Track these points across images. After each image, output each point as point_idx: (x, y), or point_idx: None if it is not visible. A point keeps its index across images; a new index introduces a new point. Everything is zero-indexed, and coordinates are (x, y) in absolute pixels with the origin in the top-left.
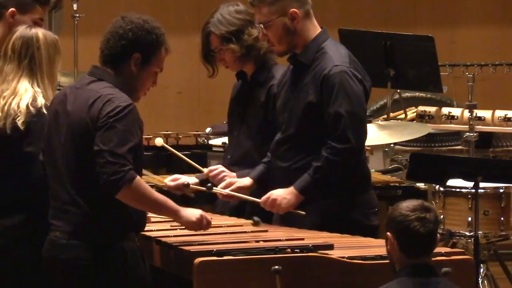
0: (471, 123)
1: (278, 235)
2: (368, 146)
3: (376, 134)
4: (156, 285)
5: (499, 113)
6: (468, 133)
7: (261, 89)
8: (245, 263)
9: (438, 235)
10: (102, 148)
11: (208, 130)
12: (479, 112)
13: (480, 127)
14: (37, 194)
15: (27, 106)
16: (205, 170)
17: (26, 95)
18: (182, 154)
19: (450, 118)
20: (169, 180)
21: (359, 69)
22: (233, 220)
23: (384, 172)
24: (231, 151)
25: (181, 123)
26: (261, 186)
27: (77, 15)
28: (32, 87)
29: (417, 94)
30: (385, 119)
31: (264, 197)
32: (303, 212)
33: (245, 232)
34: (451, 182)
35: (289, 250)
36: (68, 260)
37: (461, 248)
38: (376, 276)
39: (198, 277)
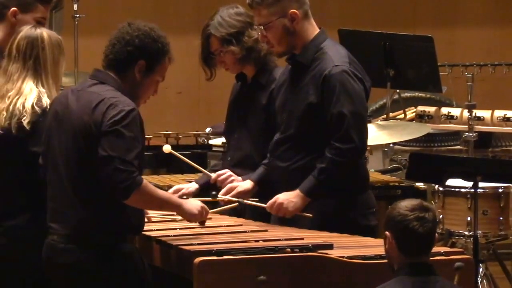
0: (470, 123)
1: (278, 235)
2: (367, 146)
3: (376, 134)
4: (156, 284)
5: (498, 113)
6: (467, 133)
7: (263, 92)
8: (245, 263)
9: (436, 234)
10: (111, 154)
11: (208, 130)
12: (478, 112)
13: (479, 127)
14: (42, 194)
15: (32, 106)
16: (213, 175)
17: (31, 95)
18: (181, 154)
19: (450, 118)
20: (172, 192)
21: (359, 68)
22: (233, 220)
23: (384, 172)
24: (231, 153)
25: (181, 123)
26: (263, 188)
27: (78, 15)
28: (37, 87)
29: (416, 94)
30: (385, 119)
31: (270, 202)
32: (310, 215)
33: (245, 232)
34: (451, 182)
35: (288, 249)
36: (67, 264)
37: (460, 248)
38: (375, 275)
39: (198, 276)
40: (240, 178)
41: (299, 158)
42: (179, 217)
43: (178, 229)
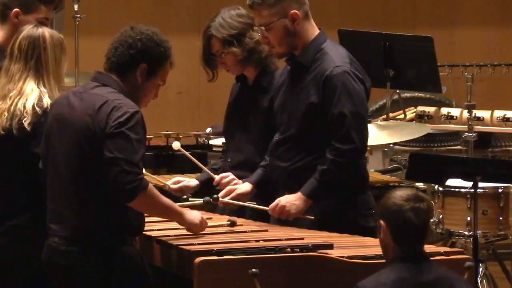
0: (470, 123)
1: (278, 235)
2: (367, 146)
3: (376, 134)
4: (156, 284)
5: (498, 113)
6: (467, 133)
7: (264, 94)
8: (245, 263)
9: (437, 234)
10: (117, 156)
11: (208, 130)
12: (478, 112)
13: (479, 127)
14: (42, 194)
15: (33, 107)
16: (217, 177)
17: (32, 95)
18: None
19: (449, 118)
20: (172, 182)
21: (359, 69)
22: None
23: (384, 172)
24: (231, 155)
25: (182, 123)
26: (261, 190)
27: (78, 15)
28: (38, 87)
29: (416, 94)
30: (385, 119)
31: (272, 205)
32: (312, 217)
33: (245, 231)
34: (450, 182)
35: (289, 249)
36: (68, 266)
37: (460, 248)
38: None
39: (198, 276)
40: (241, 181)
41: (299, 158)
42: None
43: (178, 229)
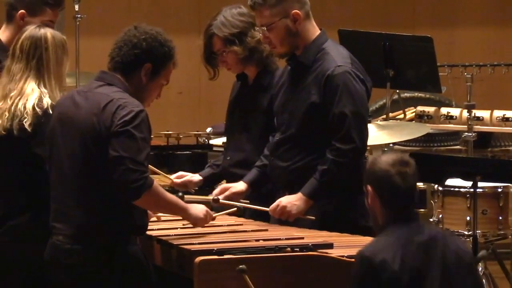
0: (469, 123)
1: (278, 234)
2: (367, 146)
3: (376, 134)
4: (157, 284)
5: (498, 113)
6: (466, 133)
7: (264, 94)
8: (245, 262)
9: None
10: (123, 154)
11: (208, 130)
12: (478, 112)
13: (478, 127)
14: (43, 194)
15: (33, 107)
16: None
17: (32, 95)
18: (181, 154)
19: (449, 118)
20: (175, 177)
21: (360, 69)
22: (233, 220)
23: None
24: (231, 153)
25: (182, 123)
26: (255, 190)
27: (79, 16)
28: (39, 88)
29: (416, 94)
30: (384, 119)
31: (273, 205)
32: (313, 217)
33: (245, 231)
34: (450, 181)
35: (289, 249)
36: (73, 265)
37: None
38: None
39: (198, 275)
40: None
41: (300, 158)
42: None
43: (178, 229)
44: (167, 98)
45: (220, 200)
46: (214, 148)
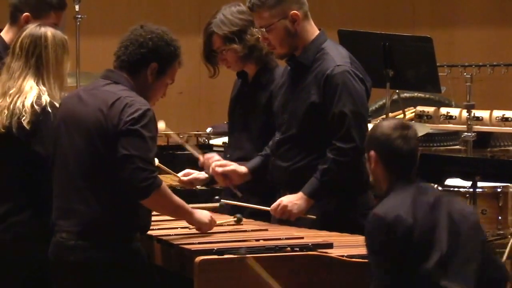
0: (469, 123)
1: (278, 234)
2: None
3: None
4: (157, 283)
5: (497, 113)
6: (466, 133)
7: (263, 91)
8: (246, 262)
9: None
10: (133, 153)
11: (209, 130)
12: (477, 112)
13: (478, 127)
14: (45, 191)
15: (32, 105)
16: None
17: (31, 93)
18: (182, 153)
19: (448, 118)
20: (182, 174)
21: (360, 69)
22: (233, 219)
23: None
24: (231, 151)
25: (182, 123)
26: (256, 178)
27: (79, 16)
28: (37, 86)
29: (415, 94)
30: (384, 119)
31: (274, 205)
32: (314, 216)
33: (246, 231)
34: (449, 181)
35: (288, 249)
36: (77, 262)
37: None
38: None
39: (199, 275)
40: (226, 161)
41: (300, 158)
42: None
43: (179, 228)
44: (167, 98)
45: (222, 200)
46: (214, 148)
